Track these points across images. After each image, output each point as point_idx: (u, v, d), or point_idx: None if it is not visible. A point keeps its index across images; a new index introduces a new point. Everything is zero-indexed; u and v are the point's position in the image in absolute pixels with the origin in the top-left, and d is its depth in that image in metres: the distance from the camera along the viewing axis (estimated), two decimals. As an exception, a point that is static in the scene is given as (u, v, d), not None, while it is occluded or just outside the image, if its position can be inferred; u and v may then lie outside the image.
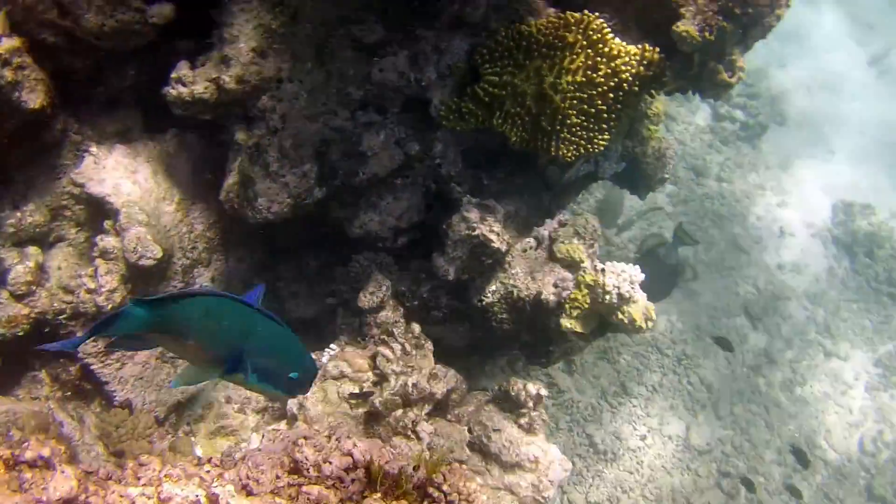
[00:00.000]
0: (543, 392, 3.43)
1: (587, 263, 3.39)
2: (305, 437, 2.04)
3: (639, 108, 4.14)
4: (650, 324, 3.24)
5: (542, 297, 3.36)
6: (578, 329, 3.29)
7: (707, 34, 3.32)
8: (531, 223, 3.75)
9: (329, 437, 2.05)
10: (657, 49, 3.40)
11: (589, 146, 3.46)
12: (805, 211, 8.51)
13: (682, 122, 8.45)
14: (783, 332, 7.21)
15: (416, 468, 1.95)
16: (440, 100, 3.37)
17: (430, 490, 1.92)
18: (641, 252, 6.36)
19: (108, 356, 3.39)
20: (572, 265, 3.43)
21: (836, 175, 9.10)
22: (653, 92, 4.02)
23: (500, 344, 3.97)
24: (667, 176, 4.88)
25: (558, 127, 3.34)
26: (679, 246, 5.93)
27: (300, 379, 1.89)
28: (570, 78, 3.31)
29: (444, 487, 1.92)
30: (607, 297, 3.23)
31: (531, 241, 3.61)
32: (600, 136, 3.46)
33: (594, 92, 3.33)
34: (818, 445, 6.71)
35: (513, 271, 3.49)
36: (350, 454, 1.97)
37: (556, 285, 3.35)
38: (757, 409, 6.61)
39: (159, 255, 3.26)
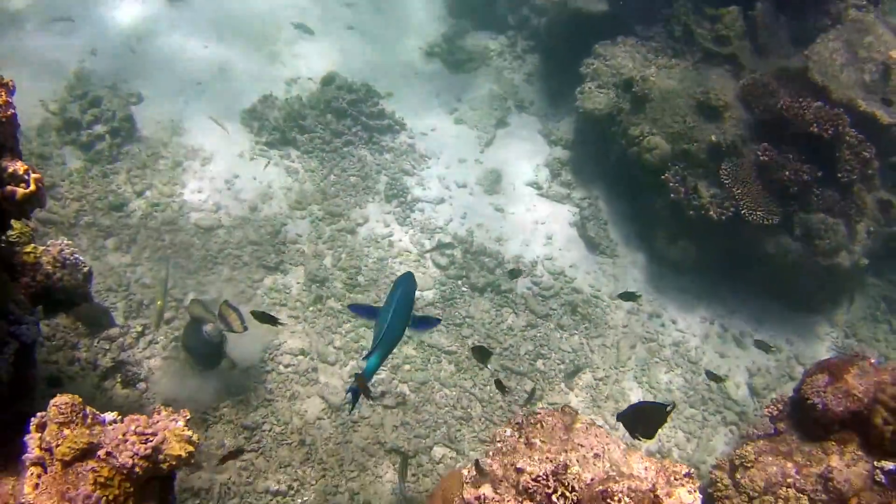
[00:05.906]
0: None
1: (94, 444, 2.99)
2: None
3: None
4: (195, 439, 3.03)
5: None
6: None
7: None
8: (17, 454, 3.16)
9: None
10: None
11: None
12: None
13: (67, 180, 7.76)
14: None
15: None
16: None
17: None
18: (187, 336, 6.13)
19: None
20: (87, 454, 3.01)
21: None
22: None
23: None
24: (87, 270, 4.49)
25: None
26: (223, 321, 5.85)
27: None
28: None
29: None
30: (137, 469, 2.93)
31: (31, 472, 3.05)
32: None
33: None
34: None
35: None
36: None
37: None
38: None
39: None
